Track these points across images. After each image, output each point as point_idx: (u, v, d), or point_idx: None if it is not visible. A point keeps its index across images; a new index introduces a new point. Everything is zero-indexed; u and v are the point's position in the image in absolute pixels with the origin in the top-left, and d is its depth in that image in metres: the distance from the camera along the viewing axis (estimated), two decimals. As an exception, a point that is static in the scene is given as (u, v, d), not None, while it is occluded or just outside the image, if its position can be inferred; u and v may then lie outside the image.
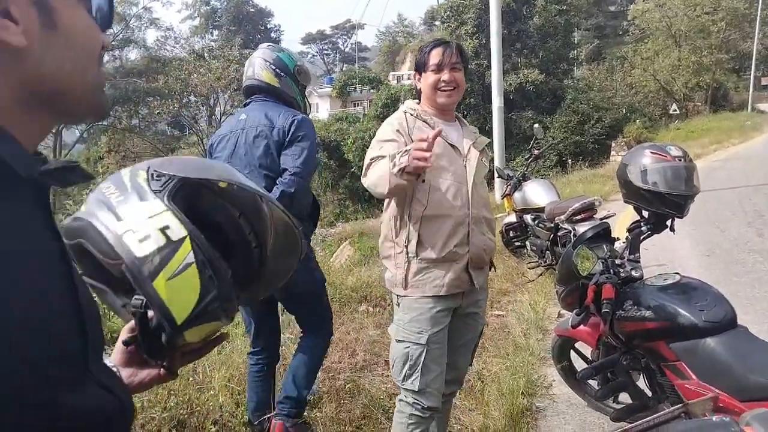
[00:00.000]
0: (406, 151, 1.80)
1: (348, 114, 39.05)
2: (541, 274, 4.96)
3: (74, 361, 0.56)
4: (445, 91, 2.06)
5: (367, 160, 2.01)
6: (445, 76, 2.04)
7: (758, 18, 29.58)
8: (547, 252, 4.90)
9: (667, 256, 5.42)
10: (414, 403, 2.03)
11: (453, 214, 2.00)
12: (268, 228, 0.85)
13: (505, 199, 6.05)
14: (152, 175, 0.75)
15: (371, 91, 41.96)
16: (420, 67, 2.11)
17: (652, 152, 2.31)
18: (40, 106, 0.57)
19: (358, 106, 45.41)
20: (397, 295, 2.09)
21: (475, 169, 2.08)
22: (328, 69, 73.34)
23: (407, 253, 2.02)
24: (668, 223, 2.38)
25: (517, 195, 5.52)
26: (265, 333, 2.68)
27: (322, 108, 45.50)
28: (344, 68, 59.57)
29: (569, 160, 19.34)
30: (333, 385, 3.11)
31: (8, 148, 0.53)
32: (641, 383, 2.43)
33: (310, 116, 2.70)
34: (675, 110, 27.22)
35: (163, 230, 0.72)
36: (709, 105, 30.39)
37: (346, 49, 77.30)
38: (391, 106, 25.59)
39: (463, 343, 2.21)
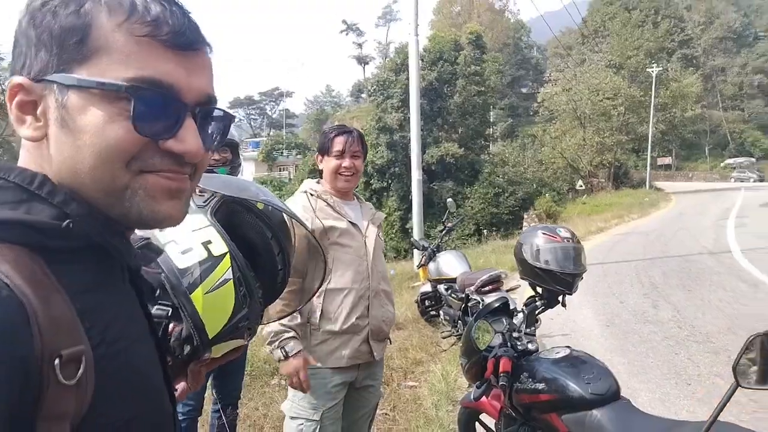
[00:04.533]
0: (287, 336, 1.96)
1: (273, 178, 39.00)
2: (453, 344, 5.05)
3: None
4: (344, 175, 2.18)
5: None
6: (345, 162, 2.16)
7: (652, 105, 33.09)
8: (459, 322, 5.03)
9: (570, 326, 5.71)
10: None
11: (355, 287, 2.09)
12: (293, 250, 0.86)
13: (420, 269, 6.21)
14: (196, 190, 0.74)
15: (297, 156, 42.40)
16: (323, 151, 2.21)
17: (544, 233, 2.50)
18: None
19: (283, 170, 45.54)
20: None
21: (373, 244, 2.19)
22: (254, 133, 73.56)
23: (310, 325, 2.05)
24: (560, 299, 2.53)
25: (431, 265, 5.69)
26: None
27: (247, 171, 45.17)
28: (271, 133, 59.95)
29: (485, 231, 20.16)
30: (238, 466, 2.97)
31: (118, 240, 0.59)
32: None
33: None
34: (581, 186, 29.41)
35: (206, 245, 0.72)
36: (611, 182, 33.09)
37: (274, 115, 78.20)
38: (316, 171, 25.83)
39: (359, 417, 2.23)
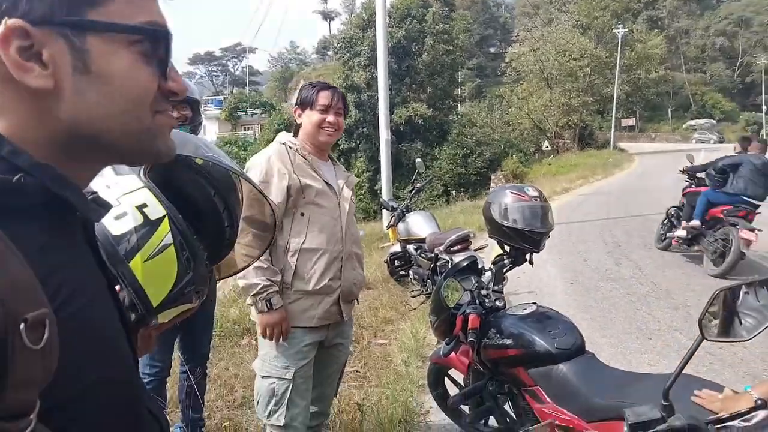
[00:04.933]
0: (273, 291, 1.98)
1: (237, 138, 38.19)
2: (422, 302, 5.13)
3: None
4: (327, 130, 2.13)
5: None
6: (330, 117, 2.12)
7: (617, 66, 33.42)
8: (429, 281, 5.10)
9: (535, 283, 5.85)
10: None
11: (329, 248, 2.08)
12: (240, 206, 0.82)
13: (390, 229, 6.23)
14: None
15: (263, 115, 41.48)
16: (305, 104, 2.15)
17: (512, 192, 2.51)
18: (80, 149, 0.56)
19: (248, 129, 44.57)
20: None
21: (348, 206, 2.17)
22: (217, 91, 71.56)
23: (282, 283, 2.03)
24: (527, 257, 2.57)
25: (401, 226, 5.72)
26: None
27: (210, 130, 44.08)
28: (234, 91, 58.41)
29: (453, 191, 20.31)
30: (210, 425, 2.98)
31: (73, 192, 0.55)
32: (508, 407, 2.58)
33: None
34: (547, 147, 29.78)
35: (140, 208, 0.68)
36: (576, 143, 33.58)
37: (237, 72, 76.03)
38: (283, 130, 25.34)
39: (328, 374, 2.27)
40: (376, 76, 9.88)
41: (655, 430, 1.09)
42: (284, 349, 2.04)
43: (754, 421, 1.18)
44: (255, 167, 2.08)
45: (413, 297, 5.37)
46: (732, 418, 1.28)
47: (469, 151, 26.40)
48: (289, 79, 63.53)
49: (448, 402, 2.74)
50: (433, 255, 4.95)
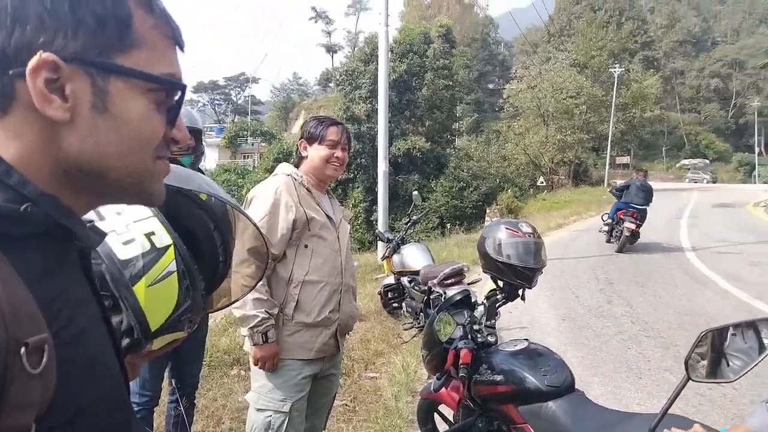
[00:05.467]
0: (270, 324, 1.99)
1: (237, 165, 38.39)
2: (414, 336, 5.10)
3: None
4: (334, 164, 2.19)
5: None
6: (339, 153, 2.18)
7: (613, 104, 33.97)
8: (421, 314, 5.08)
9: (527, 319, 5.84)
10: None
11: (330, 281, 2.11)
12: (234, 242, 0.85)
13: (385, 261, 6.23)
14: None
15: (262, 144, 41.80)
16: (313, 139, 2.19)
17: (506, 228, 2.54)
18: (83, 183, 0.59)
19: (247, 158, 44.84)
20: None
21: (346, 240, 2.23)
22: (218, 119, 72.22)
23: (283, 315, 2.04)
24: (520, 292, 2.58)
25: (395, 258, 5.73)
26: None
27: (210, 158, 44.33)
28: (236, 119, 58.94)
29: (448, 224, 20.37)
30: (195, 457, 2.93)
31: (76, 222, 0.58)
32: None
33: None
34: (542, 182, 30.01)
35: (149, 236, 0.71)
36: (571, 179, 33.88)
37: (239, 101, 76.89)
38: (282, 160, 25.68)
39: (320, 406, 2.27)
40: (377, 109, 10.04)
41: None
42: (281, 381, 2.04)
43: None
44: (261, 198, 2.10)
45: (405, 330, 5.34)
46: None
47: (465, 185, 26.60)
48: (291, 109, 64.24)
49: (435, 438, 2.71)
50: (426, 288, 4.94)
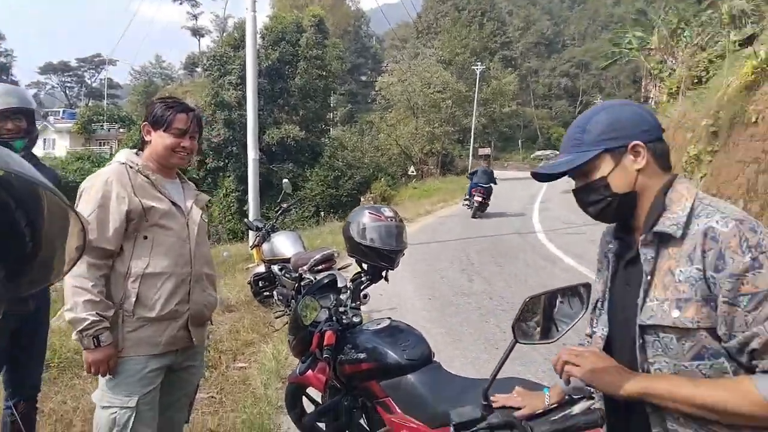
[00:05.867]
0: (102, 327, 1.85)
1: (92, 153, 35.16)
2: (286, 323, 5.06)
3: None
4: (180, 154, 2.05)
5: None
6: (186, 142, 2.04)
7: (475, 100, 36.12)
8: (293, 301, 5.05)
9: (396, 300, 6.07)
10: None
11: (175, 272, 1.99)
12: (44, 220, 0.74)
13: (254, 250, 6.11)
14: None
15: (121, 130, 38.61)
16: (158, 124, 2.02)
17: (370, 213, 2.62)
18: None
19: (104, 144, 41.24)
20: None
21: (197, 226, 2.11)
22: (70, 103, 65.46)
23: (122, 311, 1.92)
24: (384, 274, 2.69)
25: (265, 246, 5.64)
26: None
27: (59, 144, 40.10)
28: (90, 104, 53.80)
29: (323, 212, 20.44)
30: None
31: None
32: (363, 421, 2.64)
33: (43, 153, 2.45)
34: (413, 172, 31.22)
35: None
36: (439, 168, 35.55)
37: (94, 84, 70.16)
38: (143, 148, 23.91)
39: (178, 398, 2.17)
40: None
41: (475, 428, 1.20)
42: (126, 377, 1.92)
43: (574, 411, 1.34)
44: (90, 190, 1.93)
45: (277, 318, 5.28)
46: (543, 414, 1.44)
47: (340, 174, 26.82)
48: (153, 93, 59.95)
49: (302, 421, 2.74)
50: (297, 275, 4.93)
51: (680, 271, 1.07)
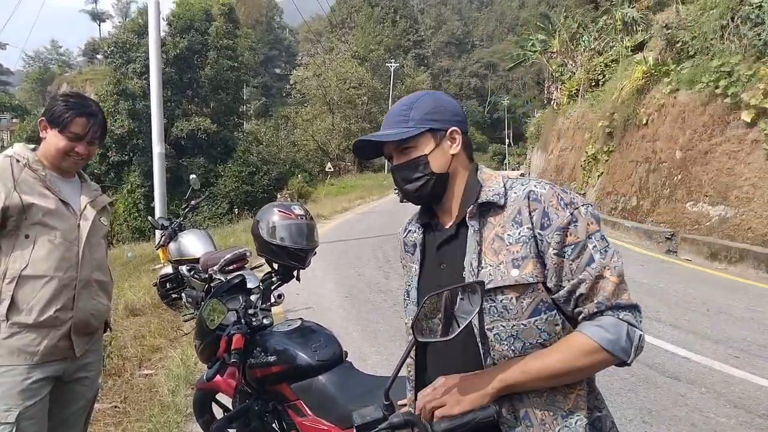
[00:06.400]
0: None
1: (-24, 145, 32.07)
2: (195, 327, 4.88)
3: None
4: (73, 158, 1.92)
5: None
6: (80, 148, 1.90)
7: (390, 97, 36.58)
8: (203, 303, 4.87)
9: (314, 299, 6.02)
10: None
11: (58, 275, 1.84)
12: None
13: (159, 250, 5.82)
14: None
15: (14, 120, 35.62)
16: (55, 124, 1.88)
17: (279, 211, 2.56)
18: None
19: (-9, 136, 37.76)
20: None
21: (89, 228, 1.96)
22: (-52, 88, 59.15)
23: None
24: (294, 273, 2.64)
25: (172, 246, 5.38)
26: None
27: (-64, 135, 36.25)
28: (-26, 90, 48.97)
29: (237, 209, 19.89)
30: None
31: None
32: (276, 426, 2.59)
33: None
34: (330, 168, 31.02)
35: None
36: (356, 165, 35.66)
37: (-22, 69, 63.77)
38: (38, 141, 22.13)
39: (71, 413, 2.00)
40: (151, 86, 9.19)
41: (377, 428, 1.20)
42: (4, 389, 1.74)
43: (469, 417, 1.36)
44: None
45: (185, 321, 5.03)
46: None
47: (255, 169, 26.18)
48: (50, 81, 55.70)
49: (211, 428, 2.64)
50: (207, 276, 4.73)
51: (509, 234, 1.16)
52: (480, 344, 1.17)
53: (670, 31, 11.26)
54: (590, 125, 14.97)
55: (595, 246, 1.11)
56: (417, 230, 1.35)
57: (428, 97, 1.29)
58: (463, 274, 1.19)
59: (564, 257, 1.11)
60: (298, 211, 2.60)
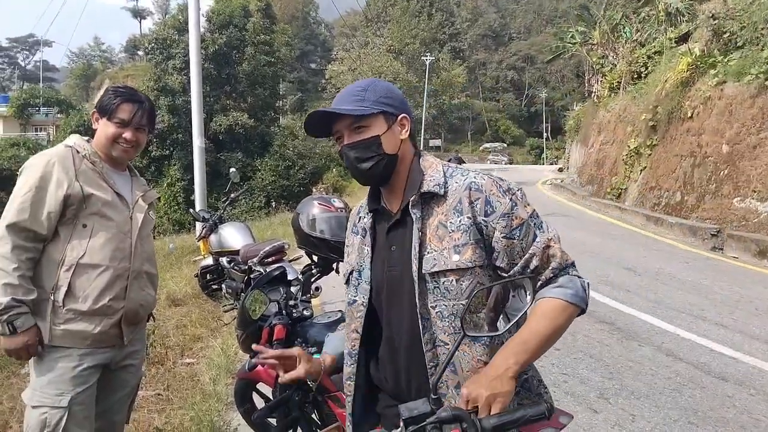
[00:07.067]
0: (18, 312, 1.75)
1: (27, 139, 33.40)
2: (235, 317, 4.97)
3: None
4: (122, 146, 1.96)
5: (16, 207, 1.78)
6: (127, 134, 1.95)
7: (425, 91, 36.37)
8: (242, 294, 4.96)
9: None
10: None
11: (112, 265, 1.90)
12: None
13: (201, 242, 5.95)
14: None
15: (59, 115, 36.83)
16: (104, 112, 1.95)
17: (319, 204, 2.59)
18: None
19: (41, 130, 39.26)
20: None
21: (141, 221, 2.02)
22: (2, 86, 61.80)
23: (53, 302, 1.82)
24: (334, 266, 2.66)
25: (213, 238, 5.49)
26: None
27: (-10, 130, 37.90)
28: (25, 86, 50.93)
29: (273, 203, 20.16)
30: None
31: None
32: (315, 416, 2.62)
33: None
34: (364, 162, 31.19)
35: None
36: (391, 159, 35.76)
37: (28, 67, 66.42)
38: (83, 134, 22.90)
39: (117, 400, 2.07)
40: (191, 81, 9.39)
41: (425, 423, 1.19)
42: (58, 374, 1.82)
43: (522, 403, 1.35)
44: (31, 169, 1.84)
45: (225, 312, 5.15)
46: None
47: (291, 163, 26.47)
48: (93, 77, 57.49)
49: (252, 417, 2.69)
50: (246, 267, 4.82)
51: (451, 222, 1.26)
52: (420, 320, 1.26)
53: (716, 21, 10.83)
54: (632, 118, 14.55)
55: (535, 223, 1.27)
56: (366, 216, 1.42)
57: (381, 83, 1.36)
58: (412, 255, 1.27)
59: (514, 239, 1.24)
60: (337, 204, 2.63)
